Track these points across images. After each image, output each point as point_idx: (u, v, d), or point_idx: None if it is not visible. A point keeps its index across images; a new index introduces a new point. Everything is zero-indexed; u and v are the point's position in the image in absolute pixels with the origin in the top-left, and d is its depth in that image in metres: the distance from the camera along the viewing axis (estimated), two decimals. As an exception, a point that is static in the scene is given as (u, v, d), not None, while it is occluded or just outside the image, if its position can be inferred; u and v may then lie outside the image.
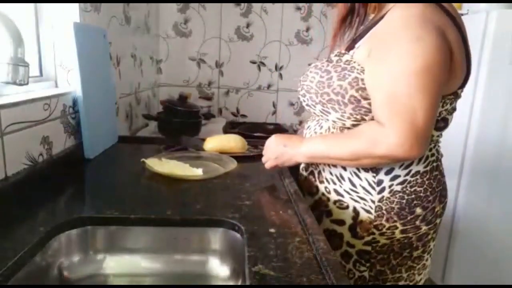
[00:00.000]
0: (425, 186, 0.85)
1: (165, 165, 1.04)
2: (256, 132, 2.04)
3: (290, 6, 2.36)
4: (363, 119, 0.82)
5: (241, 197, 0.89)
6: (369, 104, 0.80)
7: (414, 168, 0.84)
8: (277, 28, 2.39)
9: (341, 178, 0.88)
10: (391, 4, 0.82)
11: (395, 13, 0.78)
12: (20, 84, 0.78)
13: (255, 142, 1.37)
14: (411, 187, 0.84)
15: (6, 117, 0.79)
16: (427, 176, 0.85)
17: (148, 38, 2.07)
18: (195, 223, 0.78)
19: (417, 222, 0.86)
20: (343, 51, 0.87)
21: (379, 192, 0.84)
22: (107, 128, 1.27)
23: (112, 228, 0.77)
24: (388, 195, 0.84)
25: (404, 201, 0.84)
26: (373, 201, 0.85)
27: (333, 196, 0.90)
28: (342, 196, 0.88)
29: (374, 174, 0.84)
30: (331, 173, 0.90)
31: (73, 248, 0.74)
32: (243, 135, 1.38)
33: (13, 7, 1.00)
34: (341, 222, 0.89)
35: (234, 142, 1.27)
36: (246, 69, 2.43)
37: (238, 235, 0.75)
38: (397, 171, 0.84)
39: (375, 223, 0.85)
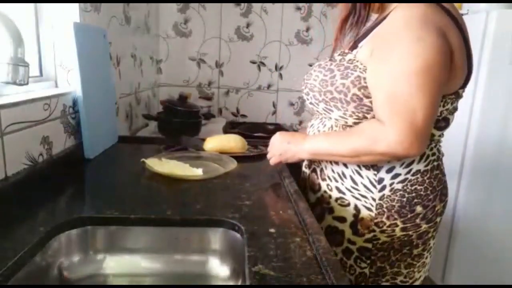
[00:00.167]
0: (425, 185, 0.86)
1: (165, 165, 1.04)
2: (256, 132, 2.04)
3: (290, 6, 2.36)
4: (365, 117, 0.84)
5: (241, 197, 0.89)
6: (371, 102, 0.81)
7: (415, 167, 0.85)
8: (277, 28, 2.39)
9: (342, 175, 0.89)
10: (394, 5, 0.83)
11: (397, 14, 0.79)
12: (20, 84, 0.78)
13: (255, 142, 1.37)
14: (411, 185, 0.85)
15: (6, 117, 0.79)
16: (428, 175, 0.86)
17: (148, 38, 2.07)
18: (195, 223, 0.78)
19: (418, 220, 0.87)
20: (346, 51, 0.88)
21: (380, 190, 0.85)
22: (107, 128, 1.27)
23: (112, 228, 0.77)
24: (389, 193, 0.85)
25: (405, 199, 0.85)
26: (374, 199, 0.86)
27: (335, 194, 0.91)
28: (344, 193, 0.90)
29: (375, 172, 0.85)
30: (333, 171, 0.91)
31: (73, 248, 0.74)
32: (243, 135, 1.38)
33: (13, 7, 1.00)
34: (342, 219, 0.90)
35: (234, 142, 1.27)
36: (246, 69, 2.43)
37: (238, 235, 0.75)
38: (398, 170, 0.85)
39: (375, 221, 0.86)
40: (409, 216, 0.86)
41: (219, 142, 1.28)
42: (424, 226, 0.88)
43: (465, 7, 2.02)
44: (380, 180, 0.85)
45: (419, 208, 0.86)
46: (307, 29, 2.40)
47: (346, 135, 0.85)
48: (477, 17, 1.84)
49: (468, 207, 1.94)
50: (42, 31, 1.12)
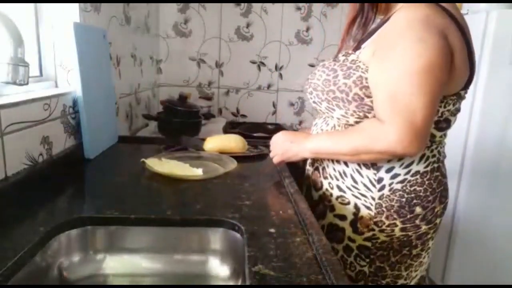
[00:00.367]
0: (425, 186, 0.86)
1: (165, 165, 1.04)
2: (256, 132, 2.04)
3: (290, 6, 2.36)
4: (366, 117, 0.85)
5: (241, 197, 0.89)
6: (372, 102, 0.82)
7: (414, 168, 0.85)
8: (277, 28, 2.39)
9: (343, 174, 0.90)
10: (398, 6, 0.84)
11: (399, 15, 0.81)
12: (20, 84, 0.78)
13: (255, 142, 1.37)
14: (411, 186, 0.85)
15: (6, 117, 0.79)
16: (427, 177, 0.86)
17: (148, 38, 2.07)
18: (195, 223, 0.78)
19: (417, 221, 0.87)
20: (349, 51, 0.89)
21: (380, 190, 0.86)
22: (107, 128, 1.27)
23: (112, 228, 0.77)
24: (388, 193, 0.86)
25: (404, 199, 0.85)
26: (373, 198, 0.87)
27: (336, 192, 0.92)
28: (344, 192, 0.91)
29: (375, 172, 0.86)
30: (334, 169, 0.92)
31: (73, 248, 0.74)
32: (243, 135, 1.39)
33: (13, 7, 1.00)
34: (343, 217, 0.91)
35: (234, 142, 1.27)
36: (246, 69, 2.43)
37: (238, 235, 0.75)
38: (397, 170, 0.85)
39: (375, 220, 0.87)
40: (408, 216, 0.86)
41: (219, 142, 1.28)
42: (424, 227, 0.88)
43: (465, 7, 2.02)
44: (380, 180, 0.86)
45: (418, 209, 0.86)
46: (307, 29, 2.40)
47: (346, 134, 0.86)
48: (477, 17, 1.84)
49: (468, 207, 1.94)
50: (42, 31, 1.12)
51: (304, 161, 1.05)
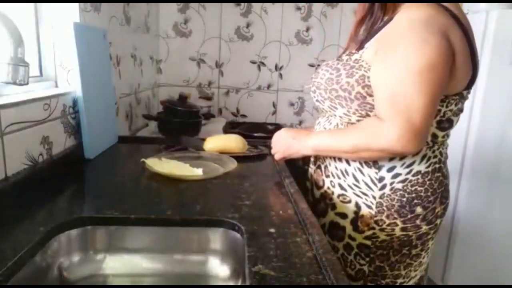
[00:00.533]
0: (426, 186, 0.86)
1: (165, 165, 1.04)
2: (256, 132, 2.04)
3: (290, 6, 2.36)
4: (368, 115, 0.85)
5: (241, 197, 0.89)
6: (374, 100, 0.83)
7: (416, 168, 0.86)
8: (277, 28, 2.39)
9: (345, 173, 0.91)
10: (403, 6, 0.84)
11: (402, 16, 0.81)
12: (20, 84, 0.78)
13: (255, 142, 1.37)
14: (412, 186, 0.86)
15: (6, 117, 0.79)
16: (429, 177, 0.86)
17: (148, 38, 2.07)
18: (195, 223, 0.78)
19: (418, 221, 0.87)
20: (353, 51, 0.90)
21: (381, 189, 0.87)
22: (107, 128, 1.27)
23: (112, 228, 0.77)
24: (389, 192, 0.86)
25: (405, 199, 0.86)
26: (374, 197, 0.87)
27: (337, 190, 0.93)
28: (346, 190, 0.91)
29: (377, 171, 0.87)
30: (336, 168, 0.93)
31: (73, 248, 0.74)
32: (243, 135, 1.38)
33: (13, 7, 1.00)
34: (344, 216, 0.92)
35: (234, 142, 1.27)
36: (246, 69, 2.43)
37: (238, 235, 0.75)
38: (398, 169, 0.86)
39: (375, 219, 0.87)
40: (409, 216, 0.86)
41: (219, 142, 1.28)
42: (424, 228, 0.88)
43: (465, 7, 2.02)
44: (381, 179, 0.86)
45: (419, 209, 0.86)
46: (307, 29, 2.40)
47: (347, 131, 0.88)
48: (477, 17, 1.84)
49: (468, 207, 1.94)
50: (42, 31, 1.12)
51: (304, 160, 1.06)
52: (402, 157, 0.85)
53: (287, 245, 0.67)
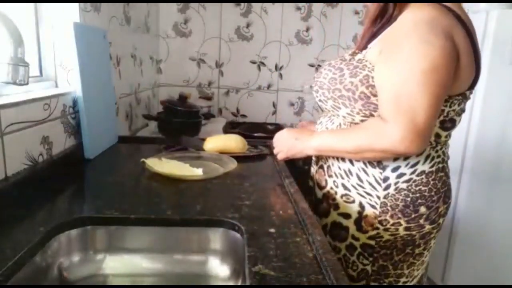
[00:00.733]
0: (430, 186, 0.86)
1: (165, 165, 1.04)
2: (256, 132, 2.04)
3: (290, 6, 2.36)
4: (372, 115, 0.85)
5: (241, 197, 0.89)
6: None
7: (420, 168, 0.86)
8: (277, 28, 2.39)
9: (349, 173, 0.91)
10: (407, 7, 0.84)
11: (406, 16, 0.81)
12: (20, 84, 0.78)
13: (255, 142, 1.37)
14: (416, 185, 0.86)
15: (6, 117, 0.79)
16: (432, 177, 0.87)
17: (148, 38, 2.07)
18: (195, 223, 0.78)
19: (421, 221, 0.87)
20: (356, 51, 0.90)
21: (385, 189, 0.86)
22: (107, 128, 1.27)
23: (112, 228, 0.77)
24: (394, 192, 0.86)
25: (409, 199, 0.86)
26: (378, 197, 0.87)
27: (341, 190, 0.93)
28: (349, 190, 0.91)
29: (381, 171, 0.87)
30: (339, 168, 0.93)
31: (73, 248, 0.74)
32: (243, 135, 1.38)
33: (13, 7, 1.00)
34: (347, 216, 0.92)
35: (234, 142, 1.27)
36: (246, 69, 2.43)
37: (238, 235, 0.75)
38: (403, 169, 0.86)
39: (379, 219, 0.87)
40: (413, 216, 0.86)
41: (219, 142, 1.28)
42: (427, 227, 0.88)
43: (465, 7, 2.00)
44: (386, 179, 0.86)
45: (423, 209, 0.86)
46: (307, 29, 2.40)
47: (350, 132, 0.87)
48: (477, 17, 1.84)
49: (468, 207, 1.94)
50: (42, 31, 1.12)
51: (304, 161, 1.06)
52: (406, 157, 0.85)
53: (287, 245, 0.67)
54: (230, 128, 2.11)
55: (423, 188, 0.86)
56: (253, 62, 2.43)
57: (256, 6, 2.34)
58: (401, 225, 0.87)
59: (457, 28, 0.78)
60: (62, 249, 0.72)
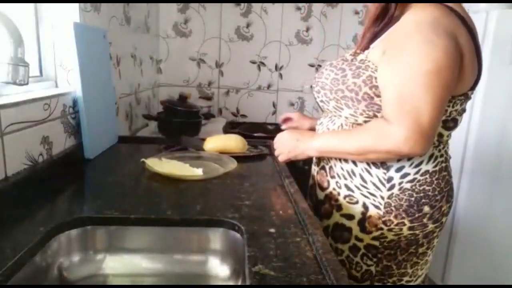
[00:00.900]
0: (433, 185, 0.87)
1: (165, 165, 1.04)
2: (256, 132, 2.04)
3: (290, 6, 2.36)
4: (375, 116, 0.85)
5: (241, 197, 0.89)
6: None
7: (424, 167, 0.86)
8: (277, 28, 2.39)
9: (352, 173, 0.90)
10: (409, 7, 0.84)
11: (409, 17, 0.81)
12: (20, 84, 0.78)
13: (255, 142, 1.37)
14: (420, 185, 0.86)
15: (6, 117, 0.79)
16: (436, 176, 0.87)
17: (148, 38, 2.07)
18: (195, 223, 0.78)
19: (425, 220, 0.87)
20: (358, 51, 0.89)
21: (389, 189, 0.86)
22: (107, 128, 1.27)
23: (112, 228, 0.77)
24: (398, 192, 0.86)
25: (413, 199, 0.86)
26: (382, 198, 0.87)
27: (344, 191, 0.92)
28: (353, 191, 0.91)
29: (385, 171, 0.86)
30: (342, 169, 0.92)
31: (73, 248, 0.74)
32: (243, 135, 1.38)
33: (13, 7, 1.00)
34: (350, 217, 0.91)
35: (234, 142, 1.27)
36: (246, 69, 2.43)
37: (238, 235, 0.75)
38: (407, 169, 0.86)
39: (383, 219, 0.87)
40: (416, 215, 0.86)
41: (219, 142, 1.28)
42: (430, 226, 0.89)
43: (465, 7, 2.02)
44: (390, 179, 0.86)
45: (426, 208, 0.86)
46: (307, 29, 2.40)
47: (353, 133, 0.87)
48: (477, 17, 1.84)
49: (468, 207, 1.94)
50: (42, 31, 1.12)
51: (305, 161, 1.05)
52: (409, 157, 0.84)
53: (287, 245, 0.67)
54: (230, 128, 2.11)
55: (427, 188, 0.86)
56: (253, 62, 2.43)
57: (256, 6, 2.34)
58: (405, 225, 0.87)
59: (460, 28, 0.78)
60: (62, 249, 0.72)
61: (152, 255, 0.79)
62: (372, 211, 0.88)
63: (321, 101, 0.95)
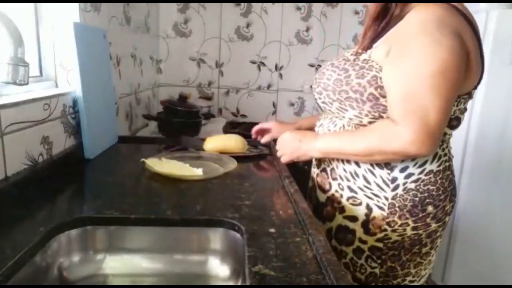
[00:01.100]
0: (437, 185, 0.86)
1: (165, 165, 1.04)
2: (256, 132, 2.04)
3: (290, 6, 2.36)
4: (381, 117, 0.84)
5: (241, 197, 0.89)
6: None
7: (428, 167, 0.85)
8: (277, 28, 2.39)
9: (355, 175, 0.89)
10: (411, 6, 0.83)
11: (413, 16, 0.80)
12: (20, 84, 0.78)
13: (255, 142, 1.37)
14: (424, 185, 0.85)
15: (6, 117, 0.79)
16: (440, 176, 0.86)
17: (148, 38, 2.07)
18: (195, 223, 0.78)
19: (428, 220, 0.87)
20: (359, 51, 0.88)
21: (393, 190, 0.86)
22: (107, 128, 1.27)
23: (112, 228, 0.77)
24: (402, 193, 0.85)
25: (417, 199, 0.85)
26: (386, 198, 0.86)
27: (347, 193, 0.91)
28: (356, 192, 0.90)
29: (389, 172, 0.86)
30: (345, 170, 0.91)
31: (73, 248, 0.74)
32: (243, 135, 1.38)
33: (13, 7, 1.00)
34: (354, 219, 0.91)
35: (234, 142, 1.27)
36: (246, 69, 2.43)
37: (238, 235, 0.75)
38: (411, 169, 0.85)
39: (387, 220, 0.87)
40: (420, 215, 0.86)
41: (219, 142, 1.28)
42: (433, 225, 0.88)
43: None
44: (394, 179, 0.85)
45: (430, 208, 0.86)
46: (307, 29, 2.40)
47: (358, 134, 0.86)
48: (477, 17, 1.82)
49: (469, 207, 1.94)
50: (42, 31, 1.12)
51: (305, 161, 1.05)
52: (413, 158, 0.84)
53: (287, 245, 0.67)
54: (230, 128, 2.11)
55: (431, 188, 0.85)
56: (253, 62, 2.43)
57: (256, 6, 2.34)
58: (408, 225, 0.86)
59: (465, 26, 0.78)
60: (62, 249, 0.72)
61: (152, 255, 0.79)
62: (376, 212, 0.87)
63: (323, 102, 0.94)
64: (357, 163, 0.89)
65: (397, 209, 0.86)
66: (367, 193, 0.88)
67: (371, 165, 0.87)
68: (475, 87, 0.85)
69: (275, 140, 1.12)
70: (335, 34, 2.42)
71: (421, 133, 0.74)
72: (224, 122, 2.18)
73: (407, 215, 0.86)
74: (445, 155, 0.88)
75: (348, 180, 0.91)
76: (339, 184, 0.93)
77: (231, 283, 0.76)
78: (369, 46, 0.87)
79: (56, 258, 0.71)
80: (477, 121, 1.87)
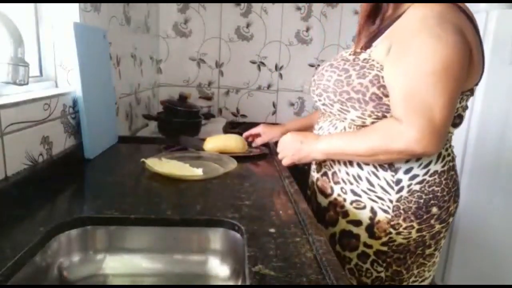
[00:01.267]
0: (442, 186, 0.85)
1: (165, 165, 1.04)
2: (256, 132, 2.04)
3: (290, 6, 2.36)
4: (384, 116, 0.82)
5: (241, 197, 0.89)
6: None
7: (433, 168, 0.84)
8: (277, 28, 2.39)
9: (358, 178, 0.88)
10: (405, 6, 0.83)
11: (413, 12, 0.79)
12: (20, 84, 0.78)
13: (255, 142, 1.37)
14: (429, 186, 0.84)
15: (6, 117, 0.79)
16: (445, 176, 0.85)
17: (148, 38, 2.07)
18: (195, 223, 0.78)
19: (432, 221, 0.86)
20: (358, 50, 0.86)
21: (398, 192, 0.84)
22: (107, 128, 1.27)
23: (112, 228, 0.77)
24: (407, 195, 0.84)
25: (422, 200, 0.84)
26: (391, 201, 0.85)
27: (350, 197, 0.89)
28: (360, 196, 0.88)
29: (393, 173, 0.84)
30: (347, 173, 0.89)
31: (73, 248, 0.74)
32: (243, 135, 1.38)
33: (13, 7, 1.00)
34: (358, 223, 0.89)
35: (234, 142, 1.27)
36: (246, 69, 2.43)
37: (238, 235, 0.75)
38: (416, 171, 0.84)
39: (392, 223, 0.85)
40: (424, 217, 0.85)
41: (219, 142, 1.28)
42: (437, 227, 0.87)
43: (465, 7, 2.01)
44: (398, 181, 0.84)
45: (434, 209, 0.85)
46: (307, 29, 2.40)
47: (362, 134, 0.84)
48: (477, 17, 1.82)
49: (469, 206, 1.94)
50: (42, 31, 1.12)
51: (305, 162, 1.04)
52: (419, 157, 0.82)
53: (287, 245, 0.67)
54: (230, 128, 2.11)
55: (436, 189, 0.84)
56: (253, 62, 2.43)
57: (256, 6, 2.34)
58: (413, 227, 0.85)
59: (466, 22, 0.77)
60: (62, 249, 0.72)
61: (152, 255, 0.79)
62: (381, 216, 0.86)
63: (324, 104, 0.91)
64: (360, 166, 0.87)
65: (401, 211, 0.84)
66: (371, 196, 0.86)
67: (375, 167, 0.85)
68: (477, 84, 0.84)
69: (275, 142, 1.11)
70: (335, 34, 2.42)
71: (426, 131, 0.73)
72: (224, 122, 2.18)
73: (412, 217, 0.84)
74: (448, 155, 0.87)
75: (351, 184, 0.89)
76: (341, 188, 0.91)
77: (231, 283, 0.76)
78: (368, 45, 0.86)
79: (56, 258, 0.71)
80: (477, 121, 1.86)
